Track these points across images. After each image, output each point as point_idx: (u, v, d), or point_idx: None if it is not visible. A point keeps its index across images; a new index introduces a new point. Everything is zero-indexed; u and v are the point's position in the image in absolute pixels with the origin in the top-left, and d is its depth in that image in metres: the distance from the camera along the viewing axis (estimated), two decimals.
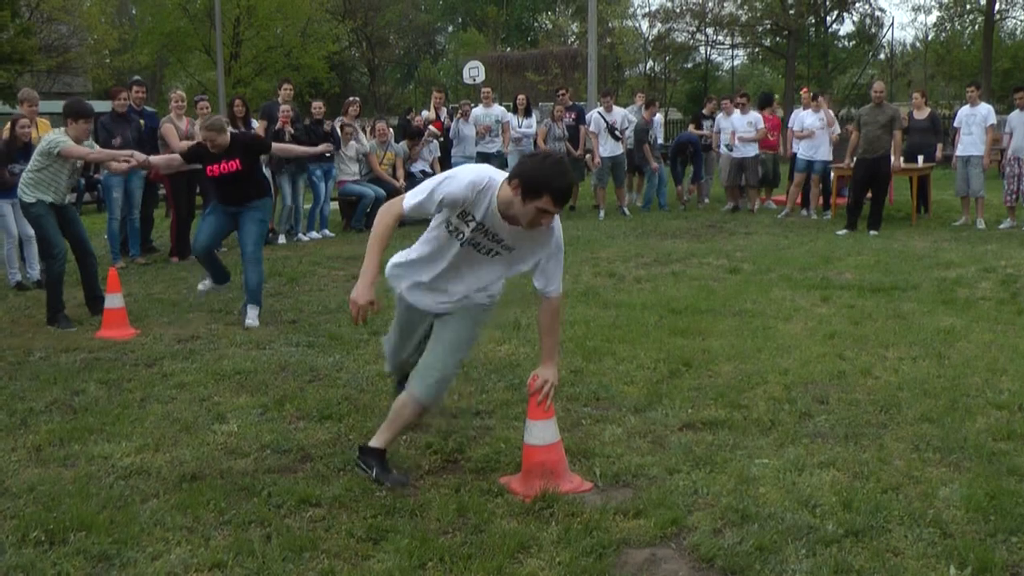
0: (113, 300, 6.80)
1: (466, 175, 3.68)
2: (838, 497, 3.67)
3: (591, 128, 13.97)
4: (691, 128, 15.79)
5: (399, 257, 4.05)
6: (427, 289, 3.94)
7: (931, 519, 3.49)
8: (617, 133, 13.77)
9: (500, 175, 3.71)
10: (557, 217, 3.71)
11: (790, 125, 14.05)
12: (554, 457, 3.83)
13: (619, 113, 14.07)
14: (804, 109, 13.77)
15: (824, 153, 13.31)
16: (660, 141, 14.99)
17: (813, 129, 13.26)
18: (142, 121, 10.23)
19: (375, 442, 3.96)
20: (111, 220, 10.00)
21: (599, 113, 13.92)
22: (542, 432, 3.82)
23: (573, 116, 14.77)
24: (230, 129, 7.12)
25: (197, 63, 37.01)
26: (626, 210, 14.03)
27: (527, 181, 3.52)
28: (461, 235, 3.75)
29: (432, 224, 3.87)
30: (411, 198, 3.73)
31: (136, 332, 6.71)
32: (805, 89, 14.76)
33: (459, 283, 3.89)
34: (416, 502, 3.70)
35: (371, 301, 3.71)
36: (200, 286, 7.43)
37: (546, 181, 3.52)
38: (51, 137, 7.19)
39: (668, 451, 4.24)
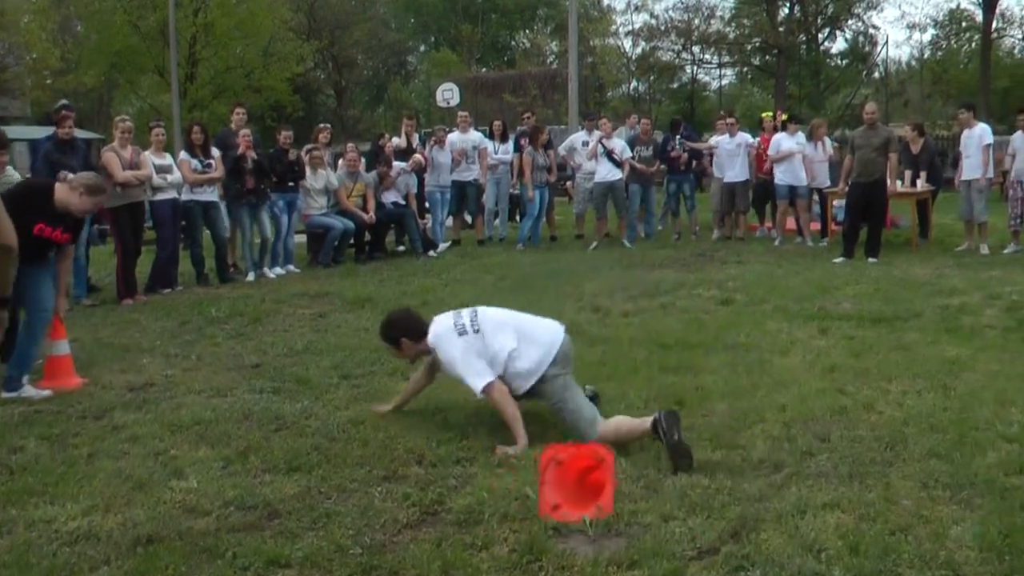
0: (57, 347, 6.67)
1: None
2: (844, 540, 3.68)
3: (588, 139, 14.04)
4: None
5: None
6: None
7: (943, 561, 3.51)
8: (616, 158, 13.81)
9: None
10: (436, 344, 5.19)
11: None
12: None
13: (619, 142, 14.14)
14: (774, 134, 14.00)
15: (803, 178, 13.45)
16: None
17: (790, 152, 13.41)
18: None
19: None
20: None
21: (602, 142, 13.85)
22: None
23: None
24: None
25: (149, 85, 36.86)
26: (627, 243, 14.00)
27: None
28: None
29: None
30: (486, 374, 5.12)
31: (83, 381, 6.60)
32: (779, 112, 15.00)
33: None
34: (395, 559, 3.67)
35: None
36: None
37: None
38: None
39: (662, 496, 4.23)
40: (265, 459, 4.86)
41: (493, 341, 5.11)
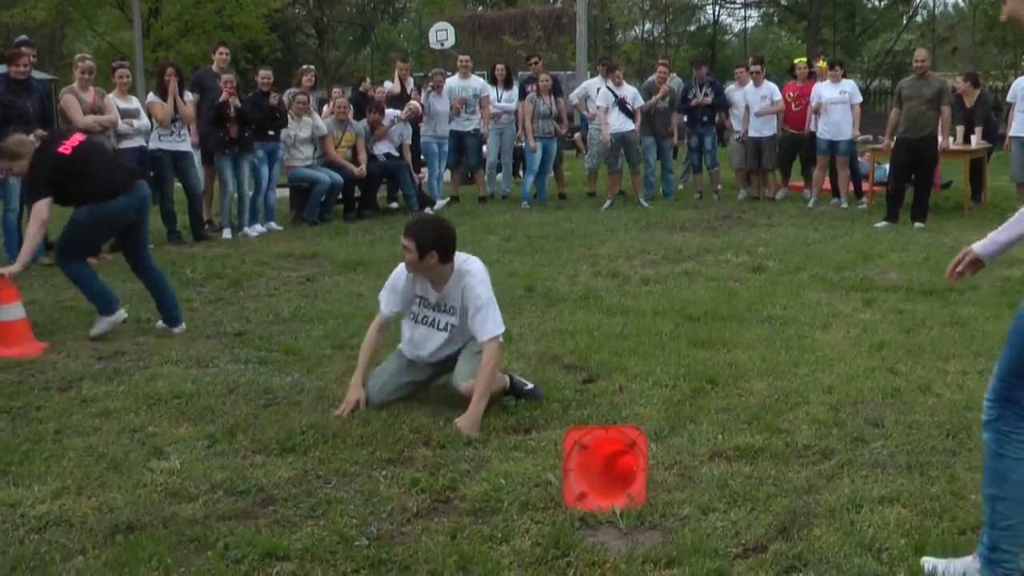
0: (11, 310, 6.62)
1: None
2: (907, 539, 3.64)
3: (599, 102, 13.91)
4: None
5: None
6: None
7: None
8: (629, 107, 13.71)
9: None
10: (469, 275, 5.19)
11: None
12: None
13: (630, 89, 14.04)
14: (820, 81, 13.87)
15: (848, 131, 13.37)
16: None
17: (830, 103, 13.31)
18: None
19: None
20: (7, 212, 9.72)
21: (609, 87, 13.79)
22: None
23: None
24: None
25: (108, 20, 36.55)
26: (644, 202, 13.93)
27: None
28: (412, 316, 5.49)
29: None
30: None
31: (44, 347, 6.59)
32: (820, 58, 14.85)
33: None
34: (406, 552, 3.63)
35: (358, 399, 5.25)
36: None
37: None
38: None
39: (699, 486, 4.20)
40: (255, 438, 4.82)
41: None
